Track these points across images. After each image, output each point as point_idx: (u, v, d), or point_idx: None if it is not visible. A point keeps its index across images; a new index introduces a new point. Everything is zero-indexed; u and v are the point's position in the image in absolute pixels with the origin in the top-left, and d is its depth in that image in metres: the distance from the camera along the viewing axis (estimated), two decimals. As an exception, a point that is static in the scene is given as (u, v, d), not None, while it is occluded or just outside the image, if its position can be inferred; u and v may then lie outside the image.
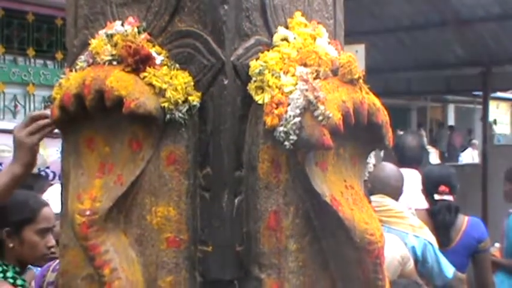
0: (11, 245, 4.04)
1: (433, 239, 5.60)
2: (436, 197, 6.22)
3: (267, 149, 2.36)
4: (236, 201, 2.36)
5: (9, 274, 4.04)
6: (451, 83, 15.43)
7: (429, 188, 6.33)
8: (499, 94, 21.30)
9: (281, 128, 2.31)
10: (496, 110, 24.44)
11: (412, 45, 12.54)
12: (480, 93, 15.21)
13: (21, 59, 8.81)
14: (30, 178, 5.70)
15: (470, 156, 20.73)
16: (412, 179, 6.59)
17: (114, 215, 2.37)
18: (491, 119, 17.83)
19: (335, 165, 2.42)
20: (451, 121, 25.35)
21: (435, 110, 24.28)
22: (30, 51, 8.82)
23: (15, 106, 8.82)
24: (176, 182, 2.35)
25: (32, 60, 8.88)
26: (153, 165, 2.36)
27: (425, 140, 18.68)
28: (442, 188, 6.28)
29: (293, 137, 2.30)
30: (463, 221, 6.40)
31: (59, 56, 8.71)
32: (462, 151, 21.92)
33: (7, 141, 8.17)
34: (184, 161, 2.36)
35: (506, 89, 18.96)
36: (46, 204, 4.34)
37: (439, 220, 6.07)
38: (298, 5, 2.51)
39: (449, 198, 6.25)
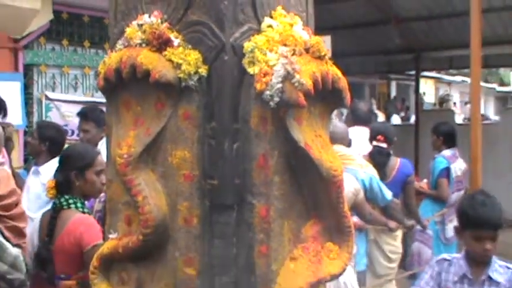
0: (77, 183, 4.08)
1: (375, 173, 5.67)
2: (374, 143, 6.30)
3: (257, 108, 2.31)
4: (234, 146, 2.30)
5: (79, 205, 4.07)
6: (392, 65, 15.48)
7: (372, 137, 6.41)
8: (427, 73, 21.28)
9: (267, 92, 2.26)
10: (425, 85, 24.41)
11: (365, 37, 12.55)
12: (413, 72, 15.24)
13: (80, 49, 8.77)
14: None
15: (398, 119, 20.62)
16: (362, 133, 6.67)
17: (144, 157, 2.33)
18: (421, 91, 17.83)
19: (308, 119, 2.37)
20: (393, 93, 25.26)
21: (382, 86, 24.13)
22: (86, 43, 8.78)
23: (76, 83, 8.76)
24: (190, 132, 2.30)
25: (88, 50, 8.83)
26: (173, 120, 2.32)
27: (374, 106, 18.71)
28: (379, 137, 6.36)
29: (276, 99, 2.26)
30: (396, 161, 6.53)
31: (107, 46, 8.69)
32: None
33: (71, 109, 8.21)
34: (196, 117, 2.31)
35: (432, 69, 19.07)
36: (99, 153, 4.34)
37: (375, 160, 6.12)
38: (279, 1, 2.44)
39: (383, 145, 6.32)
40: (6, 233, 3.79)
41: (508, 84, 32.65)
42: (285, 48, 2.31)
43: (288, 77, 2.25)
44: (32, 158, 5.75)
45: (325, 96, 2.42)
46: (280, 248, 2.35)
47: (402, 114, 21.96)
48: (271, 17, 2.39)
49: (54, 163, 5.43)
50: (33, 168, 5.44)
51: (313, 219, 2.45)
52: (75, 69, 8.72)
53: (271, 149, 2.33)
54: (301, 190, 2.41)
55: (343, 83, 2.44)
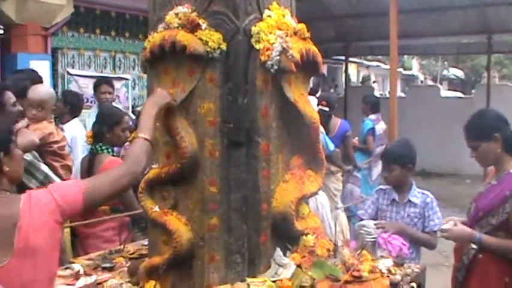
0: (107, 136, 4.16)
1: (323, 130, 5.83)
2: (319, 107, 6.43)
3: (261, 73, 2.44)
4: (245, 100, 2.44)
5: (110, 150, 4.17)
6: (327, 52, 15.62)
7: (319, 103, 6.54)
8: (351, 59, 21.49)
9: (269, 62, 2.41)
10: (350, 68, 24.63)
11: (308, 30, 12.65)
12: (343, 57, 15.45)
13: (93, 36, 8.74)
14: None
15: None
16: (312, 101, 6.78)
17: (180, 109, 2.45)
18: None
19: (295, 82, 2.53)
20: (325, 73, 25.34)
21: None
22: (97, 31, 8.76)
23: (89, 62, 8.85)
24: (214, 90, 2.43)
25: (98, 36, 8.86)
26: (201, 82, 2.44)
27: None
28: (323, 102, 6.50)
29: (275, 67, 2.41)
30: (338, 121, 6.69)
31: (127, 34, 8.79)
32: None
33: (86, 82, 8.35)
34: (218, 79, 2.43)
35: (355, 55, 19.24)
36: (126, 114, 4.45)
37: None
38: (274, -2, 2.58)
39: (326, 109, 6.45)
40: (60, 171, 3.91)
41: (410, 69, 33.49)
42: (280, 32, 2.45)
43: (283, 52, 2.40)
44: (58, 118, 5.85)
45: (306, 67, 2.56)
46: (276, 173, 2.51)
47: (332, 90, 22.14)
48: (269, 9, 2.52)
49: (74, 122, 5.57)
50: (59, 126, 5.53)
51: (298, 153, 2.61)
52: (89, 51, 8.68)
53: (271, 103, 2.48)
54: (290, 132, 2.57)
55: (319, 57, 2.60)
